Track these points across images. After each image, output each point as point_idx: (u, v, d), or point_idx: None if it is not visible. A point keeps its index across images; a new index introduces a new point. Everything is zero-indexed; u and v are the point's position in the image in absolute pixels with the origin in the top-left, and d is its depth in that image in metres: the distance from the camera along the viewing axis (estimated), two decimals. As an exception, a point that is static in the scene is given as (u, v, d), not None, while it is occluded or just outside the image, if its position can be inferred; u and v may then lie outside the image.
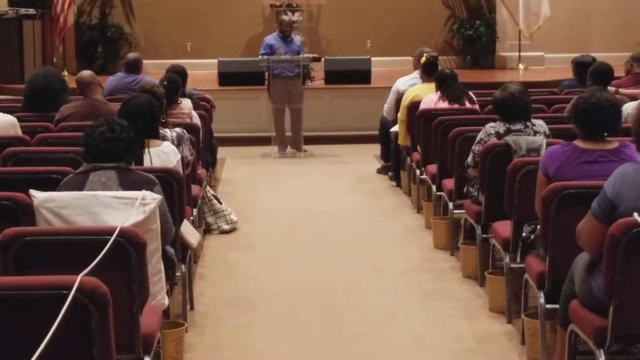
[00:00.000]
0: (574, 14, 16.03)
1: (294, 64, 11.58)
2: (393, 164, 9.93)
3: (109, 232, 3.65)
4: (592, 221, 3.91)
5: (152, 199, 4.14)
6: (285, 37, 11.94)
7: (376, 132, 10.73)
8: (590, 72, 8.03)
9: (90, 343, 3.01)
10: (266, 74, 12.13)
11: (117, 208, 4.09)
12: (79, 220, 4.06)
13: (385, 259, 7.05)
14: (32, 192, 4.12)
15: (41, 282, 2.99)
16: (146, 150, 5.38)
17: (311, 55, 11.65)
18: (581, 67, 8.91)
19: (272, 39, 12.02)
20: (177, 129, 6.23)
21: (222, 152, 10.70)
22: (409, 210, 8.71)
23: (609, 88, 7.94)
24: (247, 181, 10.27)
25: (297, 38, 12.09)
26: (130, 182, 4.37)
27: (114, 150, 4.41)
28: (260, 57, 11.82)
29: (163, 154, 5.47)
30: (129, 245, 3.71)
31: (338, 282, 6.50)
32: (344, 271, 6.76)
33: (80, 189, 4.29)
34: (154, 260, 4.19)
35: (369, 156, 11.30)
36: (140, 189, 4.21)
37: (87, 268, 3.09)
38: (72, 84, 8.22)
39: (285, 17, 12.46)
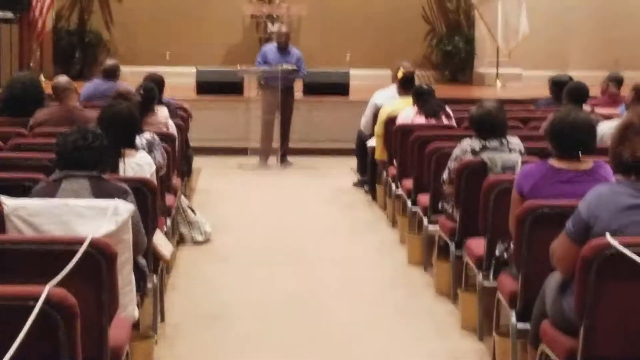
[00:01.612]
0: (551, 31, 16.10)
1: (285, 74, 11.53)
2: (369, 177, 9.93)
3: (80, 242, 3.61)
4: (566, 241, 3.91)
5: (124, 208, 4.11)
6: (282, 49, 11.88)
7: (353, 145, 10.73)
8: (566, 90, 8.05)
9: (57, 355, 2.98)
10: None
11: (89, 217, 4.05)
12: (50, 229, 4.02)
13: (359, 273, 7.03)
14: (3, 198, 4.08)
15: (8, 292, 2.96)
16: (122, 159, 5.34)
17: (290, 67, 11.60)
18: (558, 85, 8.94)
19: (268, 49, 11.99)
20: (147, 135, 6.18)
21: (197, 161, 10.66)
22: (384, 225, 8.70)
23: (585, 107, 7.97)
24: (223, 192, 10.23)
25: (296, 51, 12.00)
26: (102, 191, 4.34)
27: (86, 158, 4.37)
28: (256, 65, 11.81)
29: (137, 166, 5.43)
30: (100, 256, 3.66)
31: (311, 296, 6.47)
32: (317, 285, 6.73)
33: (52, 197, 4.25)
34: (125, 271, 4.16)
35: (346, 169, 11.29)
36: (112, 198, 4.18)
37: (55, 279, 3.06)
38: (48, 89, 8.18)
39: (282, 29, 12.41)
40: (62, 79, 7.75)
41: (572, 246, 3.86)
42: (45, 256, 3.65)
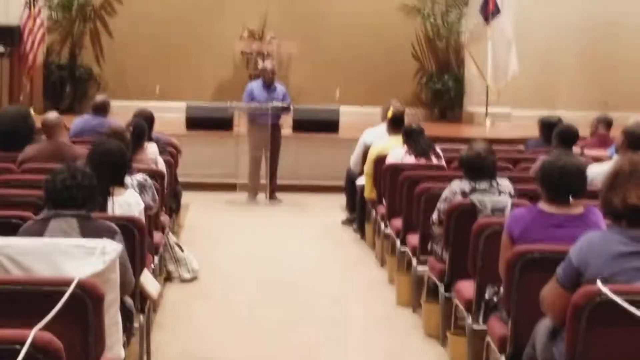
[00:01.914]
0: (541, 71, 16.19)
1: (273, 111, 11.55)
2: (358, 216, 9.92)
3: (67, 283, 3.58)
4: (557, 288, 3.89)
5: (112, 248, 4.08)
6: (268, 85, 11.90)
7: (342, 183, 10.73)
8: (555, 133, 8.07)
9: (43, 398, 2.94)
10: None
11: (77, 257, 4.02)
12: (37, 268, 3.98)
13: (347, 313, 6.99)
14: (-10, 237, 4.05)
15: (-6, 335, 2.92)
16: (110, 198, 5.31)
17: (281, 105, 11.63)
18: (547, 127, 8.97)
19: (254, 85, 12.00)
20: (139, 176, 6.17)
21: (186, 197, 10.63)
22: (373, 264, 8.67)
23: (574, 149, 7.99)
24: (211, 228, 10.20)
25: (281, 87, 12.04)
26: (91, 230, 4.31)
27: (75, 197, 4.35)
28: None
29: (126, 204, 5.40)
30: (87, 297, 3.63)
31: (299, 336, 6.43)
32: (305, 325, 6.69)
33: (40, 235, 4.23)
34: (112, 311, 4.12)
35: (335, 207, 11.27)
36: (100, 238, 4.15)
37: (42, 322, 3.03)
38: (38, 123, 8.16)
39: (267, 65, 12.43)
40: (52, 115, 7.74)
41: (563, 293, 3.84)
42: (32, 297, 3.62)
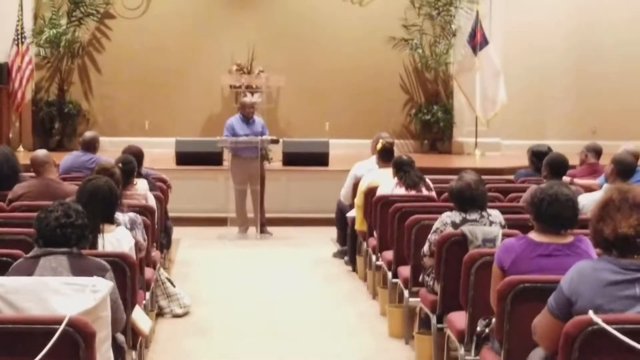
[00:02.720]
0: (529, 101, 16.29)
1: (253, 145, 11.58)
2: (349, 248, 9.91)
3: (58, 321, 3.58)
4: (548, 317, 3.90)
5: (103, 285, 4.07)
6: (247, 119, 11.93)
7: (333, 215, 10.73)
8: (545, 163, 8.08)
9: None
10: (227, 154, 12.13)
11: (67, 295, 4.01)
12: (28, 307, 3.97)
13: (340, 346, 6.97)
14: (-19, 276, 4.04)
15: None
16: (100, 235, 5.30)
17: (269, 138, 11.66)
18: (537, 156, 8.99)
19: (234, 120, 12.01)
20: (131, 213, 6.16)
21: (177, 232, 10.61)
22: (365, 296, 8.66)
23: (564, 178, 8.01)
24: (202, 263, 10.18)
25: (259, 120, 12.09)
26: (81, 268, 4.30)
27: (68, 236, 4.35)
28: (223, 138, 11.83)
29: (116, 240, 5.39)
30: (78, 335, 3.62)
31: (291, 370, 6.41)
32: (298, 358, 6.66)
33: (30, 274, 4.22)
34: (103, 348, 4.11)
35: (326, 239, 11.27)
36: (91, 275, 4.14)
37: (33, 361, 3.02)
38: (27, 159, 8.16)
39: (246, 99, 12.48)
40: (41, 152, 7.75)
41: (554, 322, 3.84)
42: (23, 336, 3.62)
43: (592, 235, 3.90)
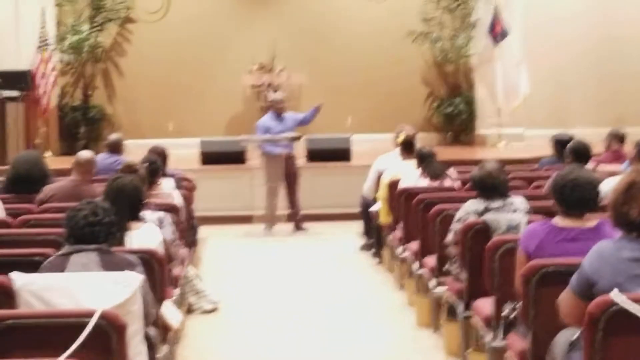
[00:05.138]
0: (552, 90, 16.23)
1: (285, 141, 11.63)
2: (375, 241, 9.96)
3: (90, 314, 3.65)
4: (571, 297, 3.94)
5: (133, 280, 4.15)
6: (279, 115, 11.99)
7: (357, 209, 10.78)
8: (568, 149, 8.11)
9: None
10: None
11: (99, 290, 4.09)
12: (60, 303, 4.05)
13: (369, 338, 7.02)
14: (14, 274, 4.12)
15: (21, 367, 2.99)
16: (128, 232, 5.38)
17: (291, 135, 11.71)
18: (560, 144, 9.01)
19: (266, 119, 12.04)
20: (160, 213, 6.23)
21: (204, 231, 10.70)
22: (392, 288, 8.70)
23: (588, 165, 8.02)
24: (229, 260, 10.26)
25: (290, 115, 12.10)
26: (111, 263, 4.38)
27: (97, 234, 4.44)
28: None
29: (144, 237, 5.47)
30: (110, 327, 3.70)
31: (322, 362, 6.47)
32: (326, 351, 6.72)
33: (62, 271, 4.31)
34: (134, 342, 4.18)
35: (351, 234, 11.32)
36: (121, 270, 4.22)
37: (67, 352, 3.09)
38: (54, 164, 8.26)
39: (276, 96, 12.51)
40: (80, 153, 7.90)
41: (577, 301, 3.89)
42: (56, 330, 3.69)
43: (615, 217, 3.88)
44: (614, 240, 3.92)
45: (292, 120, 11.95)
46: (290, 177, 11.87)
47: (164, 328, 5.30)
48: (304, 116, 12.04)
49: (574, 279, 3.94)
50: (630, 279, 3.74)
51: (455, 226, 6.17)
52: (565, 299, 4.00)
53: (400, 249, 8.46)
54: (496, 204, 6.05)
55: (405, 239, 8.18)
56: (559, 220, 4.76)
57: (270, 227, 11.91)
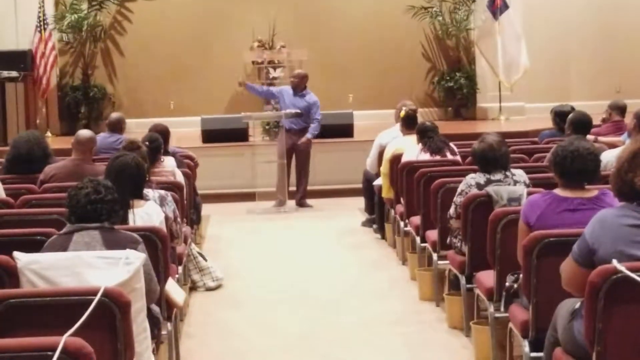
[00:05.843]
0: (552, 63, 16.22)
1: (286, 117, 11.61)
2: (377, 216, 9.97)
3: (93, 292, 3.66)
4: (572, 264, 3.96)
5: (136, 257, 4.16)
6: (295, 92, 11.95)
7: (359, 185, 10.79)
8: (569, 121, 8.11)
9: (75, 404, 3.01)
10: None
11: (102, 268, 4.09)
12: (63, 281, 4.06)
13: (372, 312, 7.05)
14: (16, 254, 4.13)
15: (25, 344, 3.00)
16: (130, 210, 5.39)
17: (293, 111, 11.68)
18: (560, 116, 9.00)
19: (286, 88, 12.10)
20: (161, 191, 6.23)
21: (206, 209, 10.72)
22: (394, 263, 8.73)
23: (588, 136, 8.02)
24: (232, 237, 10.27)
25: (312, 97, 11.98)
26: (114, 241, 4.39)
27: (99, 211, 4.43)
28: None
29: (146, 215, 5.48)
30: (114, 305, 3.71)
31: (325, 337, 6.49)
32: (330, 326, 6.75)
33: (64, 249, 4.31)
34: (139, 319, 4.19)
35: (354, 209, 11.34)
36: (124, 248, 4.23)
37: (71, 329, 3.10)
38: (55, 144, 8.26)
39: (295, 71, 12.53)
40: (80, 132, 7.89)
41: (578, 269, 3.91)
42: (60, 308, 3.70)
43: (618, 186, 3.88)
44: (615, 209, 3.94)
45: (306, 103, 11.85)
46: (297, 155, 11.85)
47: (168, 305, 5.31)
48: (313, 113, 11.92)
49: (575, 247, 3.96)
50: (631, 244, 3.76)
51: (457, 199, 6.18)
52: (567, 267, 4.02)
53: (402, 224, 8.48)
54: (497, 176, 6.07)
55: (407, 214, 8.19)
56: (559, 191, 4.78)
57: (281, 204, 11.84)
